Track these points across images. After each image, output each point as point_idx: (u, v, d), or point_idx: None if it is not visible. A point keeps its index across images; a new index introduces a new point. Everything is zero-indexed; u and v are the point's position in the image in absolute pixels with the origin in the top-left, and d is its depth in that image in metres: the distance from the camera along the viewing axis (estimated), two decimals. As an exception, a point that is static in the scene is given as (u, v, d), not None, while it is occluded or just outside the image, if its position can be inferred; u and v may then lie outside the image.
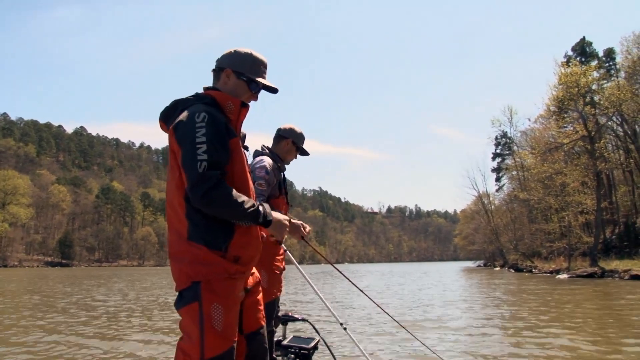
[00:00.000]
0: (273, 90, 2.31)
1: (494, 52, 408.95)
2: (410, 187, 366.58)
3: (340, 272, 2.95)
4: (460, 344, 6.16)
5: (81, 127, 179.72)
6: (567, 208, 31.55)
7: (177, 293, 2.09)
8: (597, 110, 29.12)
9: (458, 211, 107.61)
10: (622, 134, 35.04)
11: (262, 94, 2.33)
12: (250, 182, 2.22)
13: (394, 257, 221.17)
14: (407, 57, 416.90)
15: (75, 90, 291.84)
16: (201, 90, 2.26)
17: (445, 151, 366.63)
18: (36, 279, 31.17)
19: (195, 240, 2.02)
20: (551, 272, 29.85)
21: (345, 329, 2.75)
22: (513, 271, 39.00)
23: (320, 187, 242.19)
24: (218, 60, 2.26)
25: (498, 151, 58.27)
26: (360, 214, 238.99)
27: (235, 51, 2.25)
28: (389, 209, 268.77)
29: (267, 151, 3.62)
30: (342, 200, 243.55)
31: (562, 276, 25.15)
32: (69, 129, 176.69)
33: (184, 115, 2.04)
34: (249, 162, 3.32)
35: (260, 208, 2.07)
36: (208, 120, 2.00)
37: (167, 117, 2.18)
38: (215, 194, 1.92)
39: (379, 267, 76.21)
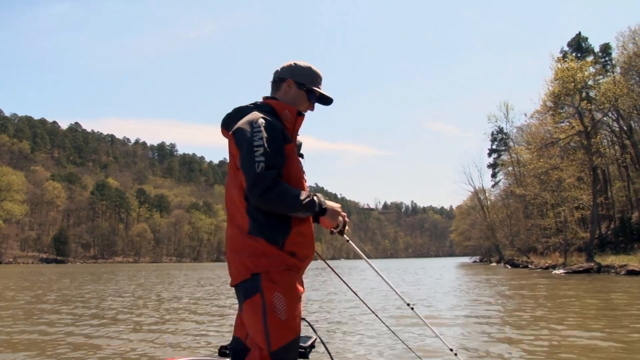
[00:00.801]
0: (328, 101, 2.45)
1: (489, 46, 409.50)
2: (406, 183, 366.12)
3: (335, 272, 2.82)
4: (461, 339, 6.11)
5: (76, 123, 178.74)
6: (563, 203, 31.67)
7: (234, 287, 2.19)
8: (593, 106, 29.14)
9: (454, 207, 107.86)
10: (617, 129, 35.10)
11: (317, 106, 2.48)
12: (306, 187, 2.31)
13: (390, 253, 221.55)
14: (401, 51, 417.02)
15: (70, 86, 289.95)
16: (259, 99, 2.39)
17: (441, 147, 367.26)
18: (37, 275, 30.98)
19: (255, 234, 2.11)
20: (547, 268, 29.98)
21: (412, 309, 2.91)
22: (509, 267, 39.16)
23: (316, 184, 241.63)
24: (278, 72, 2.39)
25: (494, 147, 58.32)
26: (356, 210, 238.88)
27: (296, 64, 2.38)
28: (385, 205, 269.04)
29: None
30: (338, 196, 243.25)
31: (558, 272, 25.27)
32: (64, 125, 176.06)
33: (243, 121, 2.16)
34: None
35: (315, 198, 2.16)
36: (265, 125, 2.12)
37: (229, 124, 2.28)
38: (272, 193, 2.03)
39: (376, 263, 76.24)
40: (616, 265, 22.54)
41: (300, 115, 2.30)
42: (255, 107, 2.27)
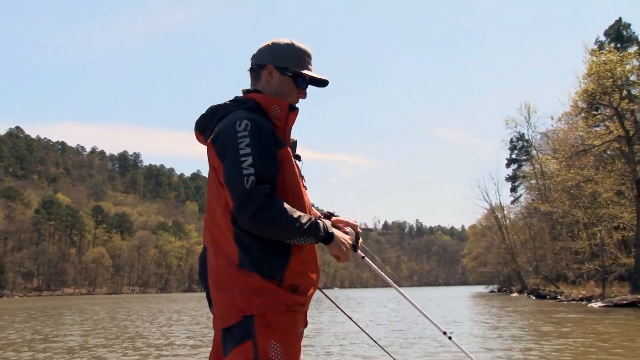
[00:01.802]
0: (323, 83, 2.36)
1: (509, 39, 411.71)
2: (410, 200, 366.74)
3: (331, 300, 2.61)
4: None
5: (17, 127, 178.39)
6: (600, 223, 31.09)
7: (224, 330, 2.11)
8: (636, 106, 28.57)
9: (466, 227, 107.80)
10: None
11: (312, 89, 2.38)
12: (307, 197, 2.27)
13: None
14: (404, 51, 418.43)
15: (8, 84, 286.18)
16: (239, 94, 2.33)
17: (451, 157, 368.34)
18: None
19: (247, 267, 2.04)
20: (581, 300, 29.46)
21: (450, 338, 2.98)
22: (534, 298, 39.01)
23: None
24: (255, 57, 2.31)
25: (514, 156, 58.40)
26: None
27: (273, 43, 2.30)
28: (386, 225, 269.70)
29: None
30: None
31: (596, 304, 24.92)
32: (1, 130, 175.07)
33: (223, 124, 2.10)
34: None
35: (320, 222, 2.08)
36: (251, 128, 2.04)
37: (205, 126, 2.25)
38: (266, 214, 1.96)
39: (376, 294, 75.44)
40: (668, 297, 21.80)
41: (292, 110, 2.23)
42: (235, 103, 2.20)
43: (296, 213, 2.01)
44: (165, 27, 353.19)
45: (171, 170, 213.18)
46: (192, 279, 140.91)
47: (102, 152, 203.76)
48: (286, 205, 2.00)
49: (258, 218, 1.94)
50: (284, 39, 2.31)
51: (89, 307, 36.53)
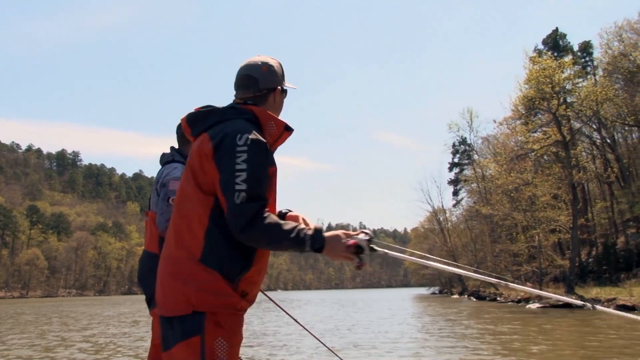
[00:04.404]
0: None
1: (451, 46, 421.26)
2: (353, 202, 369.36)
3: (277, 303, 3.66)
4: None
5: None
6: (537, 225, 31.61)
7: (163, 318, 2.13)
8: (571, 113, 29.29)
9: (409, 230, 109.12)
10: (599, 141, 35.63)
11: None
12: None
13: (334, 284, 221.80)
14: (347, 56, 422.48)
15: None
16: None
17: (394, 160, 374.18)
18: None
19: (209, 264, 2.07)
20: (519, 301, 29.83)
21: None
22: (474, 299, 39.33)
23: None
24: (262, 82, 2.37)
25: (456, 160, 59.09)
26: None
27: (271, 65, 2.42)
28: (330, 227, 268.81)
29: (179, 155, 3.69)
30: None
31: (533, 305, 25.27)
32: None
33: (223, 133, 2.14)
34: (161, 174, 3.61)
35: (309, 231, 2.09)
36: (251, 145, 2.10)
37: (195, 122, 2.30)
38: (255, 230, 2.02)
39: (320, 295, 75.27)
40: (603, 299, 22.29)
41: (287, 131, 2.33)
42: (235, 112, 2.26)
43: (286, 225, 2.06)
44: (108, 24, 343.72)
45: (112, 170, 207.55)
46: (132, 281, 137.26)
47: (39, 150, 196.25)
48: (275, 220, 2.06)
49: (247, 233, 2.02)
50: (271, 58, 2.46)
51: (19, 311, 34.79)
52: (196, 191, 2.14)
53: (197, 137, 2.25)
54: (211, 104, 2.32)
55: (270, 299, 2.92)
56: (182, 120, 2.36)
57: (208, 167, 2.12)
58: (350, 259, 2.15)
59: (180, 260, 2.11)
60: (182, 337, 2.03)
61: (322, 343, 3.02)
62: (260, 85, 2.37)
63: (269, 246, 2.10)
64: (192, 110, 2.35)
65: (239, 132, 2.11)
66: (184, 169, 2.62)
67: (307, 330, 2.90)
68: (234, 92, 2.42)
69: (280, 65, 2.47)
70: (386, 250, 2.32)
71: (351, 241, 2.13)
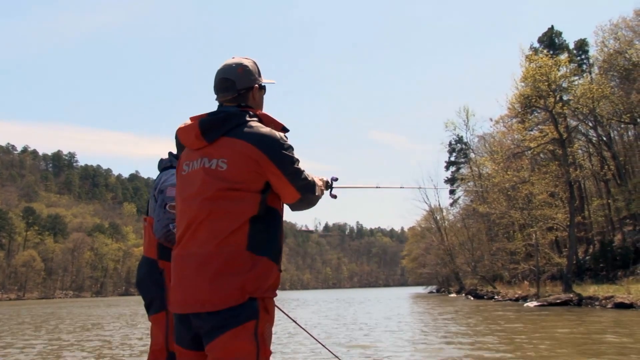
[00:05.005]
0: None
1: (446, 46, 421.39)
2: (350, 202, 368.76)
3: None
4: None
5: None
6: (535, 223, 31.54)
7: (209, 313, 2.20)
8: (567, 111, 29.25)
9: (406, 229, 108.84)
10: (595, 139, 35.65)
11: None
12: None
13: (332, 283, 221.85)
14: (342, 55, 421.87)
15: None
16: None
17: (390, 160, 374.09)
18: None
19: (256, 251, 2.26)
20: (517, 300, 29.84)
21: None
22: (472, 298, 39.28)
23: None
24: (241, 82, 2.53)
25: (452, 159, 58.94)
26: (292, 233, 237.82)
27: (246, 66, 2.57)
28: (327, 227, 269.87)
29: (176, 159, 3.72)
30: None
31: (531, 304, 25.15)
32: None
33: (264, 135, 2.37)
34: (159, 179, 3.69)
35: (317, 179, 2.71)
36: (288, 140, 2.45)
37: (211, 128, 2.40)
38: (318, 193, 2.59)
39: (318, 295, 75.18)
40: (600, 296, 22.21)
41: (283, 131, 2.53)
42: (247, 114, 2.44)
43: (318, 184, 2.62)
44: (103, 24, 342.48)
45: (108, 170, 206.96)
46: (129, 282, 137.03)
47: (35, 152, 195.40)
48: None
49: (317, 196, 2.58)
50: (246, 58, 2.62)
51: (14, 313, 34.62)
52: (240, 192, 2.31)
53: (215, 141, 2.38)
54: (216, 110, 2.50)
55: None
56: (189, 127, 2.46)
57: (265, 168, 2.33)
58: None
59: (228, 254, 2.24)
60: (237, 323, 2.16)
61: (322, 345, 3.12)
62: (238, 86, 2.52)
63: (317, 202, 2.62)
64: (186, 115, 2.54)
65: (273, 133, 2.39)
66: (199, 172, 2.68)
67: (306, 331, 3.12)
68: (215, 96, 2.58)
69: (255, 64, 2.62)
70: (345, 186, 3.21)
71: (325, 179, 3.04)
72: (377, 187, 3.74)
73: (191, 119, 2.49)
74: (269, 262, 2.27)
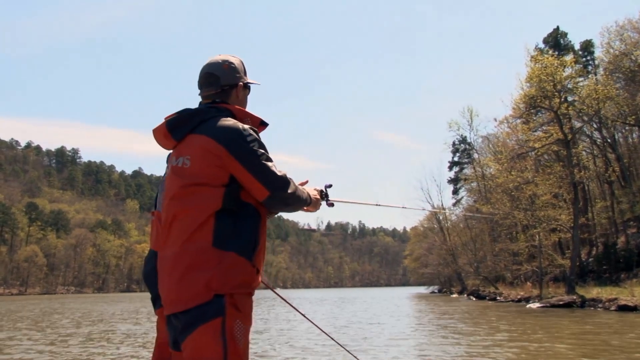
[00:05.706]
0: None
1: (449, 44, 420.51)
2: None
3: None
4: None
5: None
6: (538, 224, 31.42)
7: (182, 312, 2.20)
8: (572, 112, 29.16)
9: (408, 229, 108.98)
10: (599, 140, 35.52)
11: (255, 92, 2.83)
12: None
13: (334, 282, 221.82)
14: (345, 55, 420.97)
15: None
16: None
17: (393, 160, 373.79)
18: None
19: (222, 247, 2.21)
20: (519, 301, 29.79)
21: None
22: (473, 298, 39.21)
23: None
24: (225, 78, 2.52)
25: (455, 159, 58.89)
26: (295, 232, 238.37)
27: (232, 63, 2.56)
28: (329, 226, 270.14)
29: None
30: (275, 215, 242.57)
31: (534, 305, 25.15)
32: None
33: (226, 130, 2.31)
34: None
35: (310, 189, 2.68)
36: (253, 132, 2.36)
37: (177, 125, 2.40)
38: (297, 192, 2.42)
39: (319, 294, 75.21)
40: (604, 298, 22.13)
41: (262, 125, 2.55)
42: (215, 111, 2.40)
43: (299, 187, 2.47)
44: (107, 21, 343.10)
45: (111, 167, 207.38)
46: (131, 279, 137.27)
47: (38, 147, 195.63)
48: (296, 183, 2.46)
49: (292, 194, 2.36)
50: (231, 56, 2.60)
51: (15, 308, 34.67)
52: (201, 187, 2.27)
53: (182, 140, 2.38)
54: (184, 108, 2.45)
55: (281, 297, 3.07)
56: (159, 127, 2.44)
57: (226, 162, 2.26)
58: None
59: (193, 251, 2.21)
60: (203, 320, 2.13)
61: (334, 340, 3.16)
62: (222, 82, 2.52)
63: (299, 205, 2.48)
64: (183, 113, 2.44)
65: (236, 126, 2.31)
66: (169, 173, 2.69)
67: (319, 327, 3.04)
68: (199, 91, 2.55)
69: (242, 62, 2.62)
70: (339, 200, 3.12)
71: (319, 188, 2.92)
72: (377, 205, 3.64)
73: (165, 118, 2.46)
74: (237, 257, 2.21)
